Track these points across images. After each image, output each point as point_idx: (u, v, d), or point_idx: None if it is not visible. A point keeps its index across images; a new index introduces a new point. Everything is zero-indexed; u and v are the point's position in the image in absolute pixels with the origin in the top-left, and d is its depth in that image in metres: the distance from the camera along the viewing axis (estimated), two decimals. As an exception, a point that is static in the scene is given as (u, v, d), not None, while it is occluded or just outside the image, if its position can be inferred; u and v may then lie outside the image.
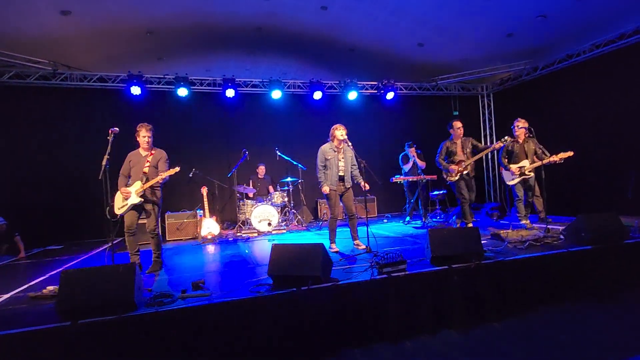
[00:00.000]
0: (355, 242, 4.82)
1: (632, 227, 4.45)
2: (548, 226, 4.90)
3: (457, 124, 5.58)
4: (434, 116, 9.36)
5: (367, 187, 4.76)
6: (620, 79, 6.67)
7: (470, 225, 5.58)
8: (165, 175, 4.11)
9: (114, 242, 3.95)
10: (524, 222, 5.50)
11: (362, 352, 2.93)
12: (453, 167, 5.45)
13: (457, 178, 5.45)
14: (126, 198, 4.08)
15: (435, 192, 7.55)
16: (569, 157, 5.19)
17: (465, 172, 5.43)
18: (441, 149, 5.69)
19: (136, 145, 4.35)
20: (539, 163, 5.30)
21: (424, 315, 3.21)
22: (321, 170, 4.71)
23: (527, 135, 5.51)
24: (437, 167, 5.81)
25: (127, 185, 4.15)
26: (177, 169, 4.15)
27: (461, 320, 3.22)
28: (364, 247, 4.65)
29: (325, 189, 4.66)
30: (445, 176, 5.67)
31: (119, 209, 4.13)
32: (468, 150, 5.47)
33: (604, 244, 3.89)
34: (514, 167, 5.47)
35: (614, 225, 4.10)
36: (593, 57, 7.08)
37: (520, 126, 5.46)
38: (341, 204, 4.91)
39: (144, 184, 4.09)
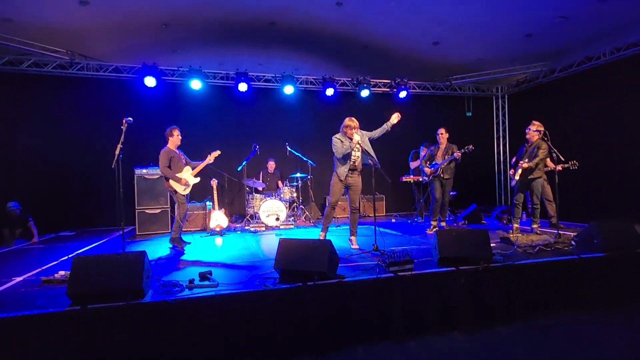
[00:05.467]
0: (351, 237, 4.83)
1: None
2: (559, 231, 4.83)
3: (441, 131, 6.01)
4: (446, 116, 9.23)
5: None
6: (641, 83, 6.50)
7: (435, 223, 5.95)
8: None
9: (125, 230, 4.02)
10: (515, 225, 5.46)
11: (366, 349, 2.93)
12: (426, 169, 6.01)
13: (430, 178, 5.98)
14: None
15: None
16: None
17: (440, 174, 5.85)
18: (425, 154, 6.20)
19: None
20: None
21: (430, 316, 3.19)
22: (338, 149, 4.57)
23: (542, 138, 5.43)
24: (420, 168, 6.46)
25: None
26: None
27: (467, 322, 3.19)
28: (356, 246, 4.71)
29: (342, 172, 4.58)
30: (422, 176, 6.31)
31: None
32: (448, 155, 5.84)
33: (617, 252, 3.81)
34: (512, 169, 5.53)
35: (628, 233, 4.01)
36: (613, 60, 6.91)
37: (532, 129, 5.36)
38: (346, 196, 4.86)
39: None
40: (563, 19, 5.95)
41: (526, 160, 5.16)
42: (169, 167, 4.91)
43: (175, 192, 4.90)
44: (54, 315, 2.56)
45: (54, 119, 7.32)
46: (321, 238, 4.65)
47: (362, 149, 4.60)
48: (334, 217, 8.16)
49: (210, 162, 5.20)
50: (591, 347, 2.90)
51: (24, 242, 5.98)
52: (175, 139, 5.06)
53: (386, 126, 4.83)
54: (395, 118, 4.74)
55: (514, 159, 5.65)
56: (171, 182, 4.89)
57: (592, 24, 6.15)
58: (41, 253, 5.14)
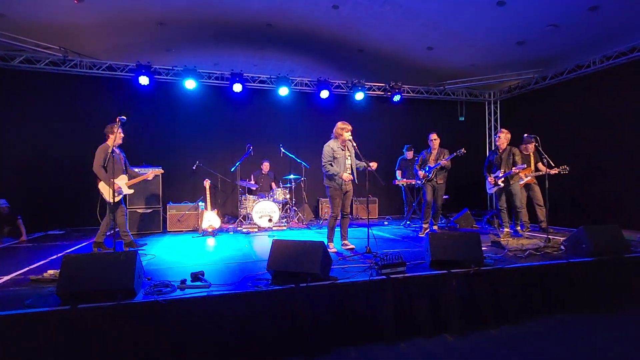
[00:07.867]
0: (343, 241, 4.88)
1: (634, 241, 4.43)
2: (549, 236, 4.90)
3: (433, 136, 6.04)
4: (440, 120, 9.35)
5: (374, 165, 4.69)
6: (630, 91, 6.64)
7: (426, 226, 6.03)
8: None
9: (116, 229, 3.98)
10: (505, 229, 5.53)
11: (357, 351, 2.94)
12: (420, 173, 6.03)
13: (423, 182, 6.01)
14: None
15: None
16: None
17: (433, 178, 5.90)
18: (418, 158, 6.19)
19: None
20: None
21: (421, 318, 3.21)
22: (329, 164, 4.61)
23: (536, 146, 5.53)
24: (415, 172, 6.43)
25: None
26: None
27: (458, 324, 3.22)
28: (352, 246, 4.78)
29: (346, 176, 4.58)
30: (416, 180, 6.35)
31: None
32: (440, 160, 5.89)
33: (604, 257, 3.88)
34: (490, 177, 5.60)
35: (616, 239, 4.08)
36: (603, 68, 7.05)
37: (502, 136, 5.50)
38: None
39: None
40: (554, 27, 6.06)
41: (521, 165, 5.24)
42: (104, 167, 4.48)
43: (102, 195, 4.53)
44: (43, 314, 2.52)
45: (46, 116, 7.23)
46: (332, 250, 4.58)
47: (353, 153, 4.76)
48: (320, 218, 8.23)
49: (148, 178, 4.99)
50: (579, 349, 2.94)
51: (12, 241, 5.88)
52: (116, 137, 4.64)
53: (365, 165, 4.76)
54: (374, 165, 4.73)
55: (488, 168, 5.71)
56: (101, 184, 4.49)
57: (582, 33, 6.27)
58: (30, 252, 5.07)
